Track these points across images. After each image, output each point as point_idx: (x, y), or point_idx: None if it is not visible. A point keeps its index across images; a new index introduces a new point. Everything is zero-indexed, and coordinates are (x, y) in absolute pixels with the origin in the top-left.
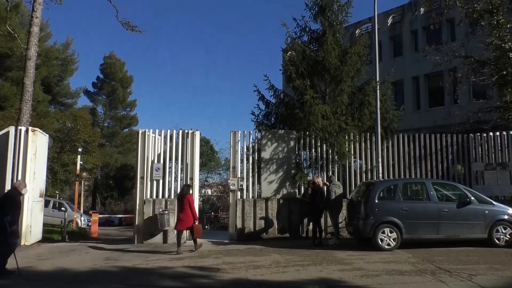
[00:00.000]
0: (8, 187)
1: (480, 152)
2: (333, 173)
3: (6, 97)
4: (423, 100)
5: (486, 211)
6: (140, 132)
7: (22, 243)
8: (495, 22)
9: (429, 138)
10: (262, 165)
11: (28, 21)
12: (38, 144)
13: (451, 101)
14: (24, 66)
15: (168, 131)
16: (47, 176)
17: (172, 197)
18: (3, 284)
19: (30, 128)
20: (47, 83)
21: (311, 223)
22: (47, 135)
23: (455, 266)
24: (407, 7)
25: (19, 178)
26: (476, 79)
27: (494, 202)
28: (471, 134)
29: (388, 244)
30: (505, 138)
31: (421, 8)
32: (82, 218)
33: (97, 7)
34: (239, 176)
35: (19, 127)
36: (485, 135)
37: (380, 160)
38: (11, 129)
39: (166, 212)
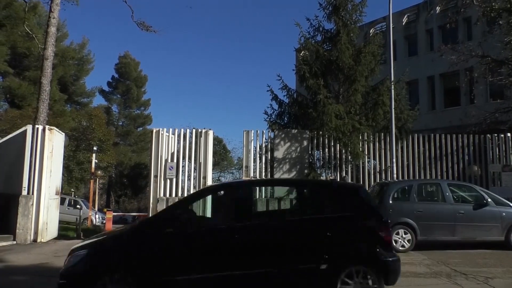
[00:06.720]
0: (25, 184)
1: (497, 153)
2: (346, 173)
3: (23, 96)
4: (438, 100)
5: (504, 213)
6: (154, 131)
7: (39, 240)
8: None
9: (445, 138)
10: (275, 165)
11: (46, 22)
12: (55, 143)
13: (467, 101)
14: (41, 66)
15: (182, 130)
16: (63, 174)
17: (186, 195)
18: (20, 280)
19: (47, 126)
20: (64, 82)
21: None
22: (63, 134)
23: (471, 269)
24: (423, 6)
25: (36, 175)
26: (493, 79)
27: (511, 204)
28: (488, 135)
29: (402, 246)
30: None
31: (437, 7)
32: (97, 216)
33: (112, 8)
34: (252, 175)
35: (36, 126)
36: (502, 136)
37: (394, 160)
38: (29, 128)
39: None
